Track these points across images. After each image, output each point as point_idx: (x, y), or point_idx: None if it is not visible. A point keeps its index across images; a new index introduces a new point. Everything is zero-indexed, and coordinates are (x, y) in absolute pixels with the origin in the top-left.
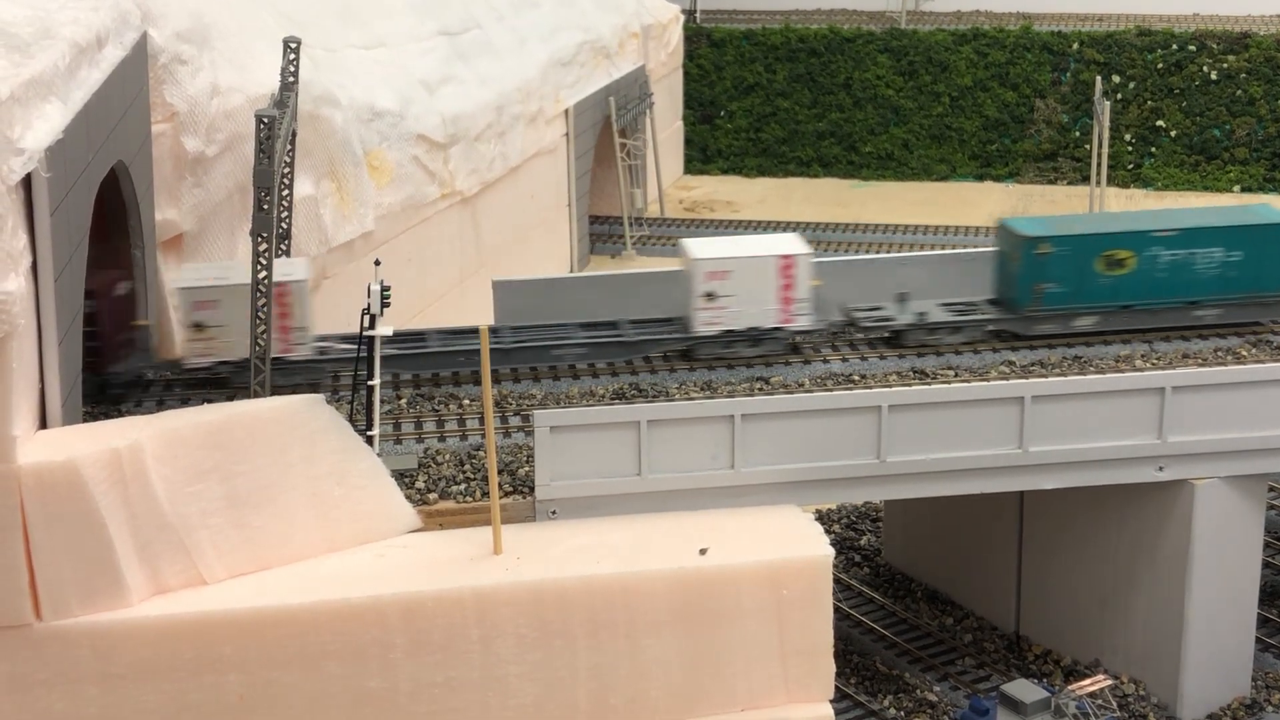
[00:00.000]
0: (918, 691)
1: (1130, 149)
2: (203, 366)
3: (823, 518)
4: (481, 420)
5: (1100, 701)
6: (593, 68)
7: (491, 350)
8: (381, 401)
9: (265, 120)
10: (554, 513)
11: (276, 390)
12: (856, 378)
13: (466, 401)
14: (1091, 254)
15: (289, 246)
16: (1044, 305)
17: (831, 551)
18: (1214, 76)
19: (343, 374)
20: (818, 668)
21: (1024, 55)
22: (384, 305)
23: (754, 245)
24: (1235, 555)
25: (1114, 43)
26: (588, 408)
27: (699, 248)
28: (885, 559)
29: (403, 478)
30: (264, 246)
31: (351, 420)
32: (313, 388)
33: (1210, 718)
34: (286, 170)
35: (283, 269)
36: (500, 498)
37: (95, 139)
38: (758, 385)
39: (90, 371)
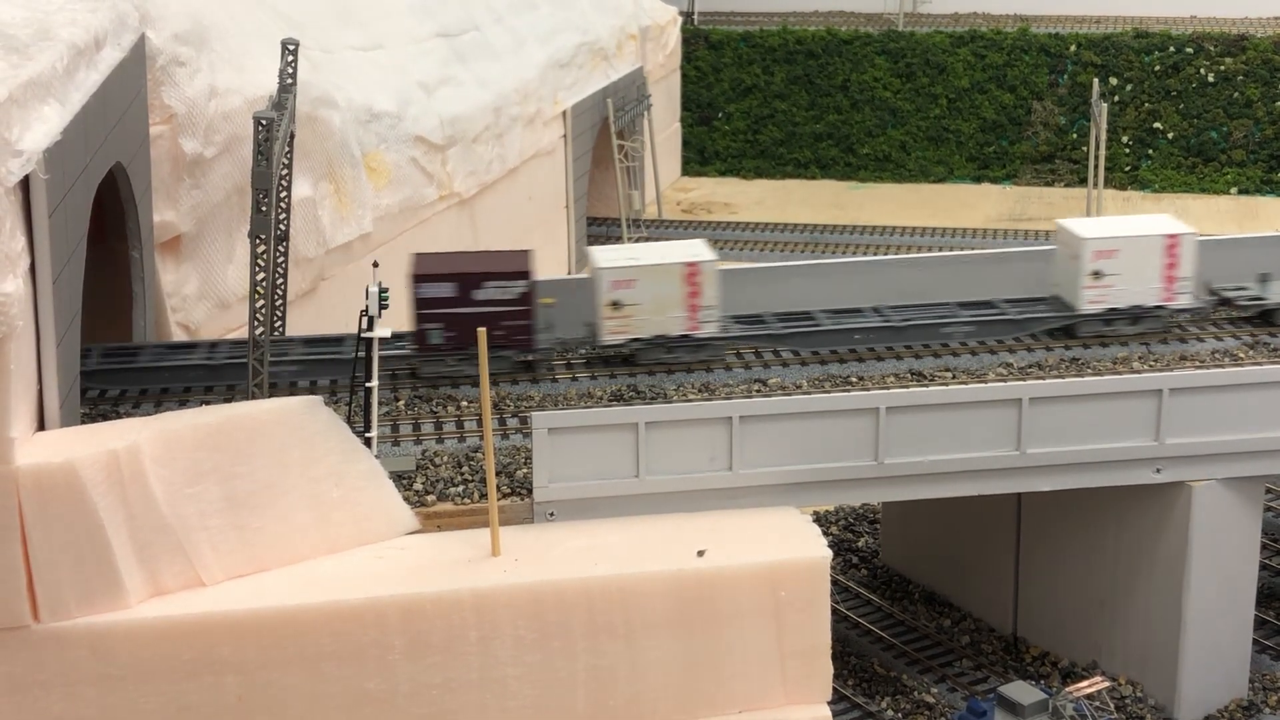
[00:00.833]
0: (915, 693)
1: (1128, 151)
2: (616, 343)
3: (820, 519)
4: (479, 422)
5: (1098, 703)
6: (591, 69)
7: (882, 328)
8: (380, 403)
9: (263, 122)
10: (552, 514)
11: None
12: (854, 379)
13: (464, 403)
14: None
15: (287, 248)
16: None
17: (829, 553)
18: (1211, 79)
19: (743, 351)
20: (816, 669)
21: (1021, 57)
22: (382, 307)
23: (1142, 225)
24: (1233, 557)
25: (1111, 45)
26: (586, 409)
27: (1085, 228)
28: (883, 560)
29: (401, 479)
30: (262, 248)
31: (350, 422)
32: (713, 364)
33: (1207, 719)
34: (284, 172)
35: (692, 250)
36: (498, 499)
37: (93, 140)
38: (755, 387)
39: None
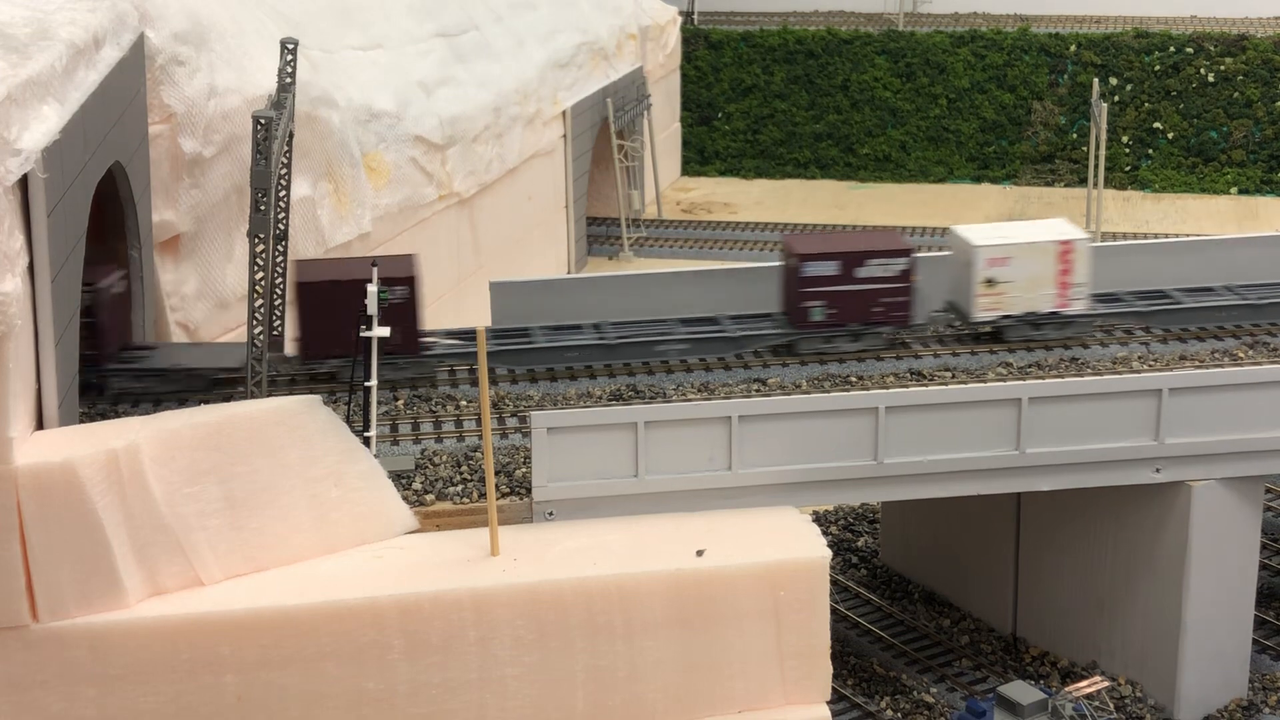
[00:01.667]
0: (915, 693)
1: (1128, 151)
2: (988, 320)
3: (820, 519)
4: (479, 421)
5: (1097, 703)
6: (590, 69)
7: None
8: (378, 402)
9: (262, 121)
10: (551, 514)
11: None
12: (854, 379)
13: (464, 403)
14: None
15: (286, 248)
16: None
17: (829, 553)
18: (1211, 79)
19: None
20: (815, 669)
21: (1021, 57)
22: (381, 307)
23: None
24: (1232, 557)
25: (1111, 45)
26: (585, 409)
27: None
28: (882, 560)
29: (400, 479)
30: (261, 248)
31: (349, 421)
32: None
33: (1207, 719)
34: (284, 171)
35: (1060, 229)
36: (497, 499)
37: (92, 140)
38: (755, 387)
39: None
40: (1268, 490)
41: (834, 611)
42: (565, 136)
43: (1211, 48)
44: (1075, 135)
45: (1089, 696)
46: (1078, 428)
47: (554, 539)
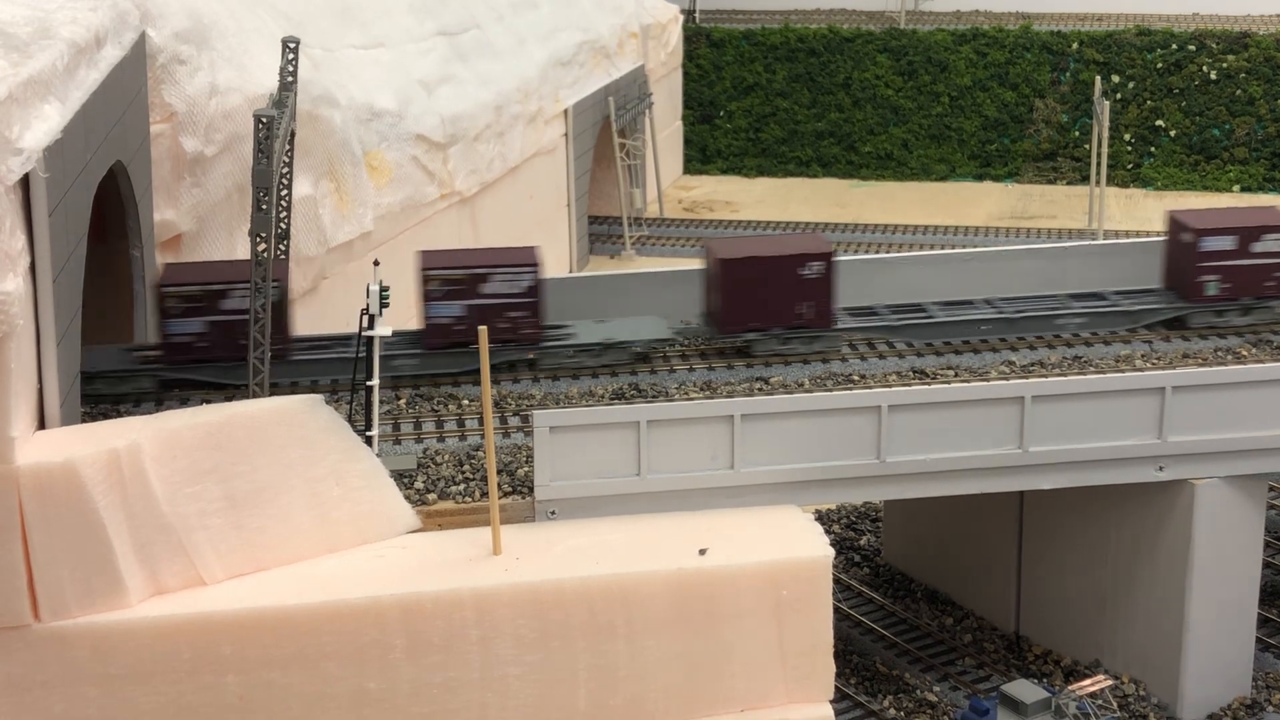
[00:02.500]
0: (918, 692)
1: (1130, 149)
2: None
3: (822, 518)
4: (481, 420)
5: (1101, 702)
6: (592, 68)
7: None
8: (380, 402)
9: (264, 120)
10: (553, 513)
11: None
12: (856, 377)
13: (465, 402)
14: None
15: (288, 247)
16: None
17: (831, 552)
18: (1213, 76)
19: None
20: (817, 668)
21: (1023, 55)
22: (383, 305)
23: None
24: (1235, 555)
25: (1113, 42)
26: (587, 408)
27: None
28: (885, 559)
29: (402, 478)
30: (262, 247)
31: (350, 420)
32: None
33: (1210, 718)
34: (285, 170)
35: None
36: (499, 498)
37: (93, 139)
38: (757, 385)
39: None
40: (1271, 488)
41: (836, 610)
42: (567, 135)
43: (1214, 45)
44: (1077, 133)
45: (1092, 695)
46: (1081, 426)
47: (556, 538)
